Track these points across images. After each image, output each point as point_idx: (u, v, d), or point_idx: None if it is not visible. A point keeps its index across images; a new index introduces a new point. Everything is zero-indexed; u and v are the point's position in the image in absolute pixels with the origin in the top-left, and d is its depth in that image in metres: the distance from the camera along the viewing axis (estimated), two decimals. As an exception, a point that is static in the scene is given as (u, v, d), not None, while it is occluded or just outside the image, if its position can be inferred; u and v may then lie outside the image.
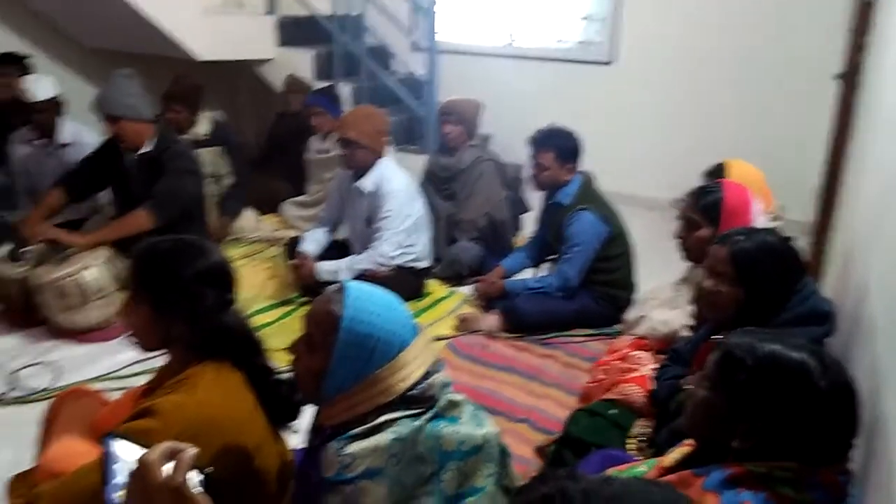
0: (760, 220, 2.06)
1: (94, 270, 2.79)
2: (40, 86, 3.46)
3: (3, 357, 2.67)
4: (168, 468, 0.73)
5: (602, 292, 3.02)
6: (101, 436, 0.77)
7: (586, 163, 3.10)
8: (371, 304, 1.31)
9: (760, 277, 1.66)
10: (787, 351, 1.20)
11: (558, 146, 2.98)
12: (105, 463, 0.77)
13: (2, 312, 2.97)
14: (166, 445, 0.74)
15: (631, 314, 2.57)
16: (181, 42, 4.11)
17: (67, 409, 1.62)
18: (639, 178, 4.65)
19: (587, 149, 3.07)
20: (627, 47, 4.68)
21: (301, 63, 4.63)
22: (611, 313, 2.97)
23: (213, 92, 4.46)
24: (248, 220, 4.05)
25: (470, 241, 3.56)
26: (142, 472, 0.71)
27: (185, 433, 1.32)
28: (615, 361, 2.26)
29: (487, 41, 5.18)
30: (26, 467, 1.64)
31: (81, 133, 3.63)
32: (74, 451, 1.45)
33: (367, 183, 3.12)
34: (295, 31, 4.74)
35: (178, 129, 3.70)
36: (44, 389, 2.49)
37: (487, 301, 3.22)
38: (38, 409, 2.32)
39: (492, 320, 3.03)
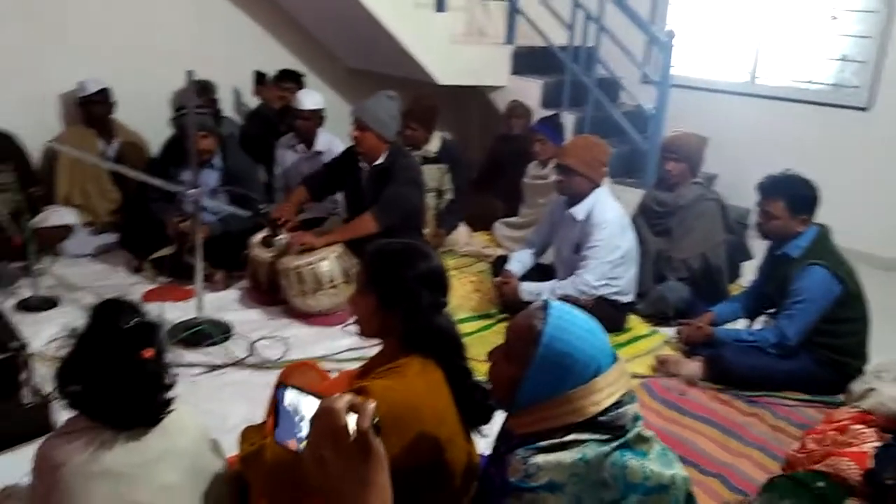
0: None
1: (329, 263, 3.15)
2: (309, 98, 4.01)
3: (247, 328, 3.10)
4: (351, 416, 0.77)
5: (826, 357, 2.74)
6: (276, 388, 0.85)
7: (824, 215, 2.84)
8: (573, 325, 1.35)
9: None
10: None
11: (791, 195, 2.77)
12: (277, 409, 0.84)
13: (251, 289, 3.45)
14: (349, 397, 0.77)
15: (858, 385, 2.31)
16: (427, 67, 4.47)
17: (295, 378, 1.85)
18: (886, 238, 4.14)
19: (828, 200, 2.81)
20: (889, 94, 4.21)
21: (530, 91, 4.80)
22: (833, 380, 2.68)
23: (445, 112, 4.79)
24: (462, 235, 4.28)
25: (679, 280, 3.43)
26: (328, 416, 0.74)
27: (390, 414, 1.46)
28: (832, 432, 2.06)
29: (725, 77, 4.96)
30: (257, 422, 1.92)
31: (334, 143, 4.11)
32: (298, 413, 1.66)
33: (579, 211, 3.16)
34: (528, 61, 4.93)
35: (413, 145, 4.04)
36: (275, 360, 2.86)
37: (691, 346, 3.07)
38: (269, 376, 2.69)
39: (693, 367, 2.89)
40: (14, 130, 3.71)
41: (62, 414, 2.12)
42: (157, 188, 3.22)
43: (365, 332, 1.72)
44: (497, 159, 4.70)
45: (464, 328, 3.18)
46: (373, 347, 2.65)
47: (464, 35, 4.94)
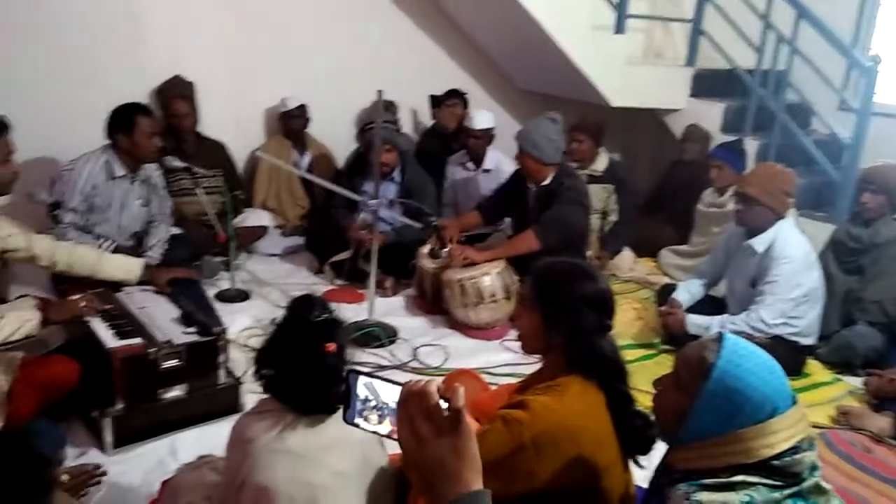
0: None
1: (491, 277, 3.23)
2: (482, 118, 4.15)
3: (411, 333, 3.25)
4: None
5: None
6: (348, 373, 0.88)
7: None
8: (748, 361, 1.29)
9: None
10: None
11: None
12: (348, 393, 0.87)
13: (416, 297, 3.62)
14: (438, 380, 0.82)
15: None
16: (601, 89, 4.45)
17: (457, 384, 1.93)
18: None
19: None
20: None
21: (710, 114, 4.60)
22: None
23: (614, 132, 4.73)
24: (626, 260, 4.18)
25: (870, 325, 3.11)
26: (422, 397, 0.79)
27: (548, 432, 1.49)
28: None
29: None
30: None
31: (502, 162, 4.21)
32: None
33: (759, 243, 2.98)
34: (710, 83, 4.73)
35: (579, 160, 4.03)
36: (436, 366, 2.97)
37: (880, 400, 2.78)
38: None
39: (882, 423, 2.61)
40: (225, 140, 4.20)
41: (249, 396, 2.39)
42: (340, 197, 3.50)
43: (527, 348, 1.75)
44: (669, 184, 4.55)
45: (624, 356, 3.11)
46: (529, 365, 2.70)
47: (641, 56, 4.85)
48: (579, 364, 1.60)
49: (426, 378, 0.81)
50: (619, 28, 4.42)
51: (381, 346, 3.07)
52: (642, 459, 1.64)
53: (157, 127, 3.37)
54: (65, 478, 1.51)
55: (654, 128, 5.19)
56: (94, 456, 2.15)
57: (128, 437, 2.22)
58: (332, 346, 1.62)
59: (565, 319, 1.61)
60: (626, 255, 4.19)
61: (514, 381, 2.79)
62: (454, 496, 0.77)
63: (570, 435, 1.50)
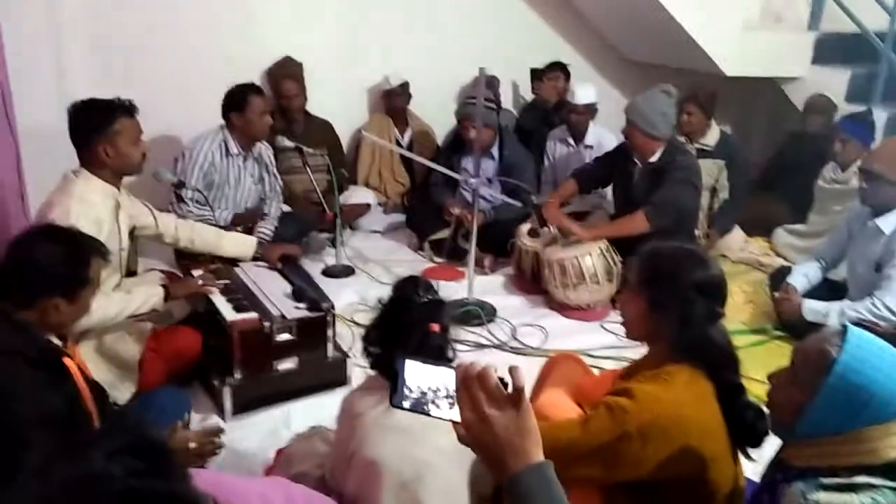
0: None
1: (592, 258, 3.17)
2: (583, 92, 4.04)
3: (509, 312, 3.26)
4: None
5: None
6: (395, 358, 0.89)
7: None
8: (875, 356, 1.21)
9: None
10: None
11: None
12: (397, 377, 0.88)
13: (515, 276, 3.62)
14: (488, 361, 0.85)
15: None
16: (714, 57, 4.23)
17: (560, 368, 1.93)
18: None
19: None
20: None
21: (833, 83, 4.29)
22: None
23: (727, 103, 4.49)
24: (736, 240, 4.00)
25: None
26: (484, 379, 0.82)
27: (655, 422, 1.46)
28: None
29: None
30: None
31: (605, 138, 4.10)
32: (561, 403, 1.73)
33: (887, 223, 2.76)
34: (834, 49, 4.40)
35: (689, 133, 3.86)
36: (535, 347, 2.98)
37: None
38: (529, 362, 2.82)
39: None
40: (331, 119, 4.32)
41: (356, 370, 2.48)
42: (439, 174, 3.53)
43: (632, 335, 1.72)
44: (786, 159, 4.28)
45: (733, 342, 2.99)
46: (630, 349, 2.65)
47: (758, 21, 4.56)
48: (688, 353, 1.56)
49: (477, 361, 0.84)
50: (735, -8, 4.18)
51: (481, 324, 3.10)
52: (753, 452, 1.58)
53: (269, 106, 3.52)
54: (192, 445, 1.63)
55: (772, 98, 4.88)
56: (215, 422, 2.31)
57: (245, 405, 2.37)
58: (436, 327, 1.66)
59: (674, 307, 1.56)
60: (737, 234, 4.00)
61: (614, 364, 2.78)
62: (520, 468, 0.81)
63: (677, 425, 1.47)
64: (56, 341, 1.64)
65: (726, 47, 4.22)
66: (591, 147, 4.13)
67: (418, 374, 0.87)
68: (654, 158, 3.26)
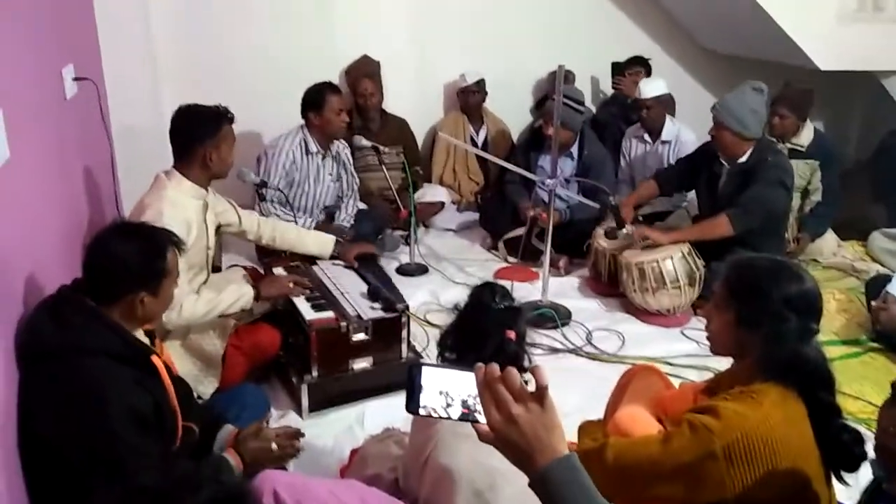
0: None
1: (673, 261, 3.06)
2: (652, 85, 3.90)
3: (584, 316, 3.19)
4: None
5: None
6: (411, 366, 0.89)
7: None
8: None
9: None
10: None
11: None
12: (411, 384, 0.88)
13: (590, 279, 3.54)
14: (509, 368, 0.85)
15: None
16: (805, 50, 4.01)
17: (639, 380, 1.87)
18: None
19: None
20: None
21: (941, 77, 3.99)
22: None
23: (820, 100, 4.24)
24: (829, 243, 3.78)
25: None
26: (508, 378, 0.84)
27: (741, 442, 1.40)
28: None
29: None
30: (592, 413, 1.99)
31: (682, 133, 3.95)
32: (641, 418, 1.68)
33: None
34: (942, 40, 4.09)
35: (781, 135, 3.67)
36: (611, 353, 2.91)
37: None
38: (604, 368, 2.77)
39: None
40: (407, 116, 4.34)
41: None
42: (515, 173, 3.49)
43: (717, 349, 1.65)
44: (884, 158, 4.03)
45: (826, 354, 2.83)
46: (713, 358, 2.53)
47: (856, 11, 4.28)
48: (778, 371, 1.48)
49: (492, 364, 0.85)
50: (830, -20, 3.94)
51: (555, 327, 3.05)
52: (848, 476, 1.49)
53: (346, 104, 3.58)
54: (273, 446, 1.67)
55: (870, 93, 4.59)
56: (292, 418, 2.37)
57: (321, 402, 2.42)
58: (512, 334, 1.64)
59: (763, 323, 1.49)
60: (830, 238, 3.78)
61: (695, 374, 2.69)
62: (548, 462, 0.84)
63: (766, 446, 1.40)
64: (144, 339, 1.71)
65: (820, 39, 3.99)
66: (667, 143, 3.99)
67: (436, 379, 0.89)
68: (743, 159, 3.11)
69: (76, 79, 2.62)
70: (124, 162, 3.33)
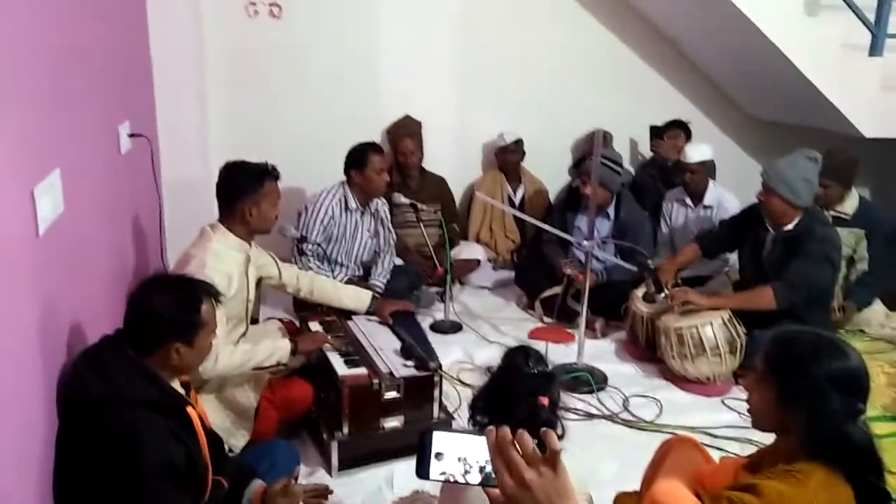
0: None
1: (714, 328, 2.99)
2: (697, 150, 3.89)
3: (621, 381, 3.12)
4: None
5: None
6: (422, 432, 0.87)
7: None
8: None
9: None
10: None
11: None
12: (423, 450, 0.86)
13: (627, 342, 3.47)
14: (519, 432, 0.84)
15: None
16: (850, 118, 3.98)
17: (677, 452, 1.81)
18: None
19: None
20: None
21: None
22: None
23: (866, 167, 4.16)
24: (877, 314, 3.66)
25: None
26: (522, 442, 0.82)
27: (785, 526, 1.34)
28: None
29: None
30: (627, 483, 1.92)
31: (724, 198, 3.92)
32: (677, 493, 1.62)
33: None
34: None
35: (825, 204, 3.61)
36: (649, 421, 2.83)
37: None
38: (641, 436, 2.69)
39: None
40: (445, 174, 4.41)
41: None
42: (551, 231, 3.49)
43: (757, 426, 1.60)
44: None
45: (873, 430, 2.70)
46: (754, 430, 2.45)
47: (900, 80, 4.26)
48: (822, 451, 1.42)
49: (502, 427, 0.84)
50: (875, 49, 3.92)
51: (590, 392, 2.99)
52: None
53: (387, 163, 3.65)
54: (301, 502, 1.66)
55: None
56: (321, 476, 2.34)
57: (351, 461, 2.39)
58: (544, 400, 1.61)
59: (806, 401, 1.44)
60: (878, 308, 3.66)
61: (737, 446, 2.59)
62: None
63: (809, 530, 1.33)
64: (180, 390, 1.73)
65: (864, 107, 3.96)
66: (710, 207, 3.96)
67: (447, 444, 0.88)
68: (789, 227, 3.05)
69: (131, 135, 2.74)
70: (172, 213, 3.44)
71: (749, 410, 1.60)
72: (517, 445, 0.82)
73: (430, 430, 0.89)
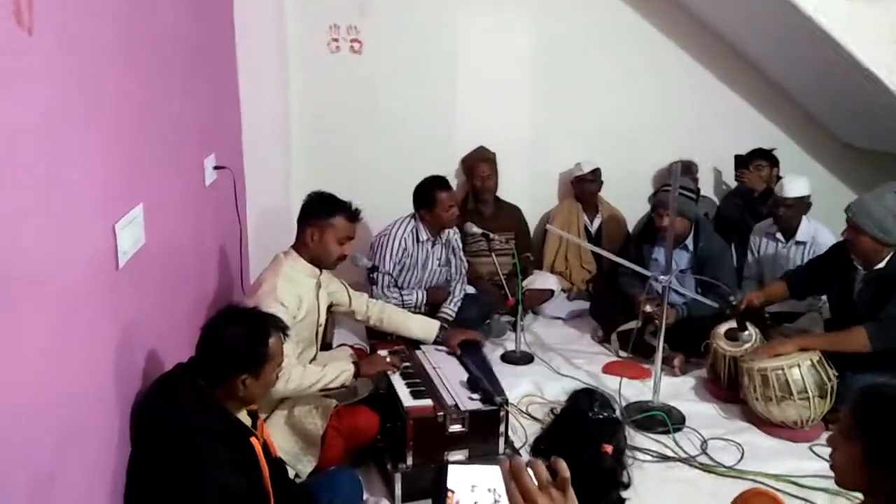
0: None
1: (801, 370, 2.81)
2: (794, 185, 3.69)
3: (699, 422, 2.97)
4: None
5: None
6: (439, 466, 0.89)
7: None
8: None
9: None
10: None
11: None
12: (439, 485, 0.88)
13: (708, 381, 3.31)
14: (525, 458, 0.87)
15: None
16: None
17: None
18: None
19: None
20: None
21: None
22: None
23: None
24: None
25: None
26: (536, 469, 0.85)
27: None
28: None
29: None
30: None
31: (819, 233, 3.69)
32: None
33: None
34: None
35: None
36: (728, 466, 2.67)
37: None
38: (719, 482, 2.55)
39: None
40: (520, 203, 4.39)
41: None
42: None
43: (843, 483, 1.48)
44: None
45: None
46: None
47: None
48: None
49: (515, 457, 0.84)
50: None
51: (666, 433, 2.86)
52: None
53: (456, 198, 3.66)
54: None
55: None
56: (385, 511, 2.34)
57: (415, 493, 2.37)
58: (608, 448, 1.56)
59: (895, 460, 1.32)
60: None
61: (826, 498, 2.42)
62: None
63: None
64: (246, 419, 1.78)
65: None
66: (803, 244, 3.73)
67: (462, 477, 0.90)
68: (881, 265, 2.85)
69: (216, 167, 2.88)
70: (254, 244, 3.57)
71: (832, 467, 1.49)
72: (531, 473, 0.86)
73: (445, 465, 0.93)
